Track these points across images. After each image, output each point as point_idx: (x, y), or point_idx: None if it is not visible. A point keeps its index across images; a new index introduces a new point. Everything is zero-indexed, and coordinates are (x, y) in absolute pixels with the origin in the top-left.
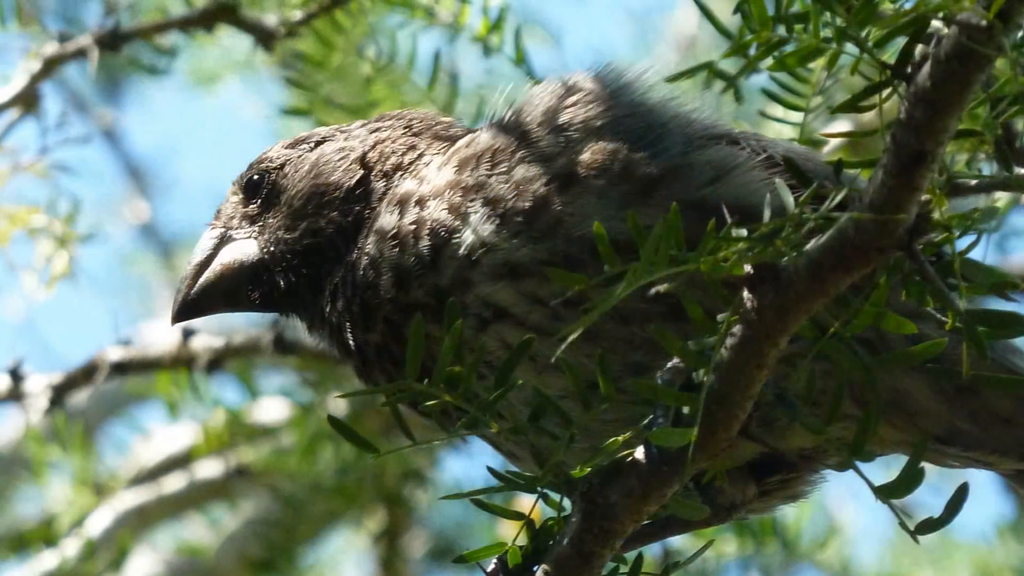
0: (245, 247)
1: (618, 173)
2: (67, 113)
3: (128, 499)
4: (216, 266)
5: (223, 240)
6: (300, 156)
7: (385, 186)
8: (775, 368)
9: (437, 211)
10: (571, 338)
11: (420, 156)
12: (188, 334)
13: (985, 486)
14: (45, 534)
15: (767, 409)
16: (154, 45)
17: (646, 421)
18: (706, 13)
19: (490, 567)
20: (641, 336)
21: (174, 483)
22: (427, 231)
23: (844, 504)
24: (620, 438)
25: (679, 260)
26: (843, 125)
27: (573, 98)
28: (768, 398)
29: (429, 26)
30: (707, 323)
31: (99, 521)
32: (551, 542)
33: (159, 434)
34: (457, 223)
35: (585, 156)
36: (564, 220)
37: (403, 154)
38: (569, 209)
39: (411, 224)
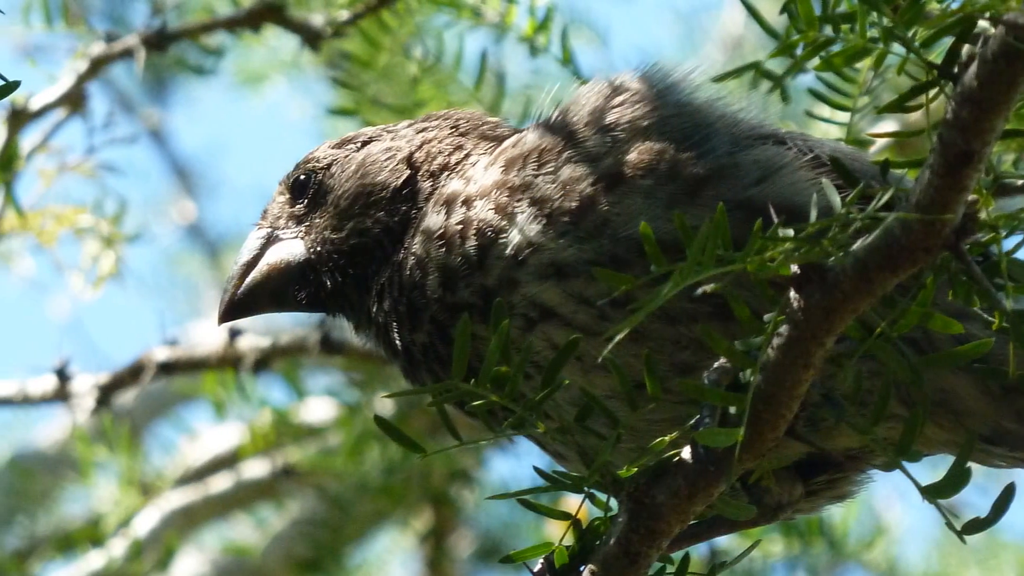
0: (292, 247)
1: (665, 173)
2: (114, 113)
3: (175, 499)
4: (263, 266)
5: (270, 240)
6: (347, 156)
7: (432, 186)
8: (822, 368)
9: (484, 211)
10: (618, 338)
11: (467, 156)
12: (235, 334)
13: None
14: (92, 534)
15: (814, 409)
16: (201, 45)
17: (693, 421)
18: (753, 13)
19: (537, 567)
20: (688, 336)
21: (221, 483)
22: (474, 231)
23: (891, 504)
24: (667, 438)
25: (726, 260)
26: (890, 125)
27: (620, 98)
28: (815, 398)
29: (476, 26)
30: (754, 323)
31: (146, 521)
32: (598, 542)
33: (206, 434)
34: (504, 223)
35: (632, 156)
36: (611, 220)
37: (450, 154)
38: (616, 209)
39: (458, 224)
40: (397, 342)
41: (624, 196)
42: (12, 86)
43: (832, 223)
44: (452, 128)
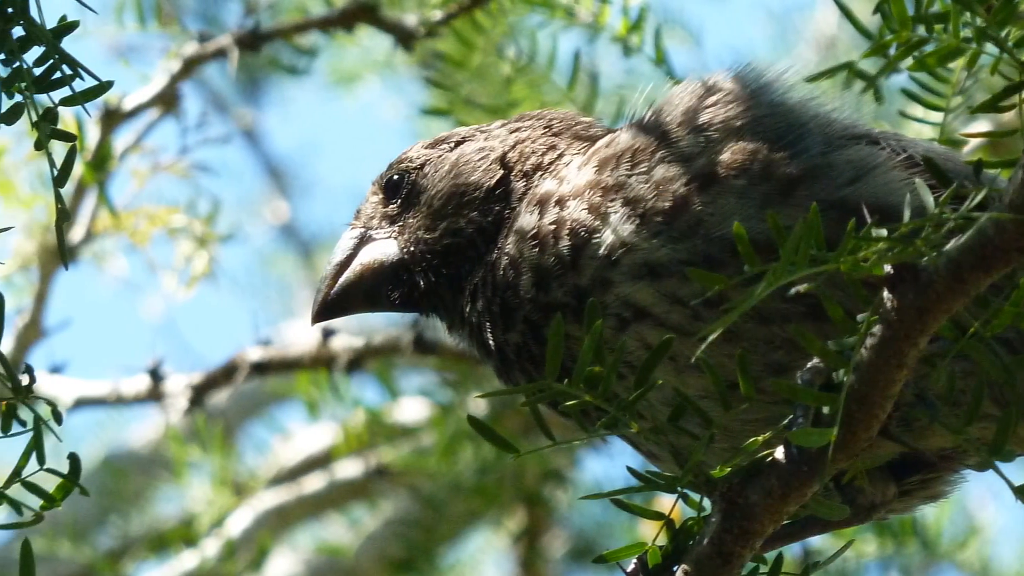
0: (385, 247)
1: (758, 173)
2: (207, 113)
3: (268, 499)
4: (356, 266)
5: (363, 240)
6: (440, 156)
7: (525, 186)
8: (915, 368)
9: (577, 211)
10: (711, 338)
11: (560, 156)
12: (328, 334)
13: None
14: (185, 534)
15: (907, 409)
16: (294, 45)
17: (786, 421)
18: (846, 13)
19: (630, 567)
20: (781, 336)
21: (314, 483)
22: (567, 231)
23: (984, 504)
24: (760, 438)
25: (819, 260)
26: (983, 125)
27: (713, 98)
28: (908, 398)
29: (569, 26)
30: (847, 323)
31: (239, 521)
32: (691, 542)
33: (299, 434)
34: (597, 223)
35: (725, 156)
36: (704, 220)
37: (543, 154)
38: (709, 209)
39: (551, 224)
40: (490, 342)
41: (717, 196)
42: (105, 86)
43: (926, 223)
44: (545, 128)
